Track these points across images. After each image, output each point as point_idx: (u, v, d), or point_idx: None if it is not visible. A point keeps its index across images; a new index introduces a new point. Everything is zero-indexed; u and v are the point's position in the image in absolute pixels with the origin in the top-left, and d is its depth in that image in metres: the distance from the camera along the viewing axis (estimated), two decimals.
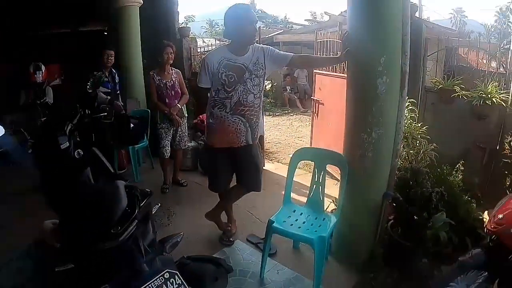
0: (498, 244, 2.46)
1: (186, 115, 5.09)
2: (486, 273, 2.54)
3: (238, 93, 3.12)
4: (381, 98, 2.79)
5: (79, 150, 3.62)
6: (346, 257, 3.31)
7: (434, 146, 3.94)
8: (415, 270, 3.01)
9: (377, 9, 2.76)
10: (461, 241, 3.10)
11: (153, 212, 2.97)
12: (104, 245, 1.58)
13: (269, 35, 14.81)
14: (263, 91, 3.31)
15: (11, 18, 7.51)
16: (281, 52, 3.32)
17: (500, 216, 2.42)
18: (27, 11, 7.52)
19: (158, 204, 3.51)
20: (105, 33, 8.45)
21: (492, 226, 2.45)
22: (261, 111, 3.37)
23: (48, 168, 3.60)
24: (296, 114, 11.82)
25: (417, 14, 7.75)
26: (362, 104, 2.94)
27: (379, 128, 2.85)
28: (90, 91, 5.83)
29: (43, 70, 5.62)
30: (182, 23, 11.61)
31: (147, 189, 2.46)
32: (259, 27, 11.46)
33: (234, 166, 3.43)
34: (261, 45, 3.30)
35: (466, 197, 3.51)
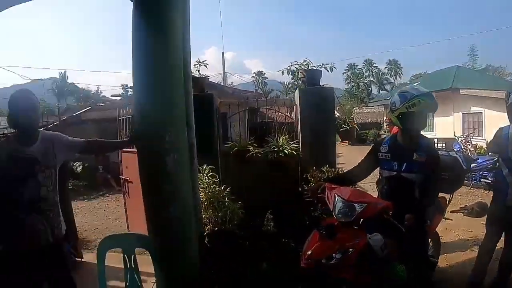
0: (313, 276, 2.78)
1: None
2: None
3: (30, 188, 2.83)
4: (173, 175, 2.88)
5: None
6: None
7: (241, 204, 4.16)
8: None
9: (157, 88, 2.89)
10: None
11: None
12: None
13: (77, 113, 14.27)
14: (57, 183, 3.07)
15: None
16: (71, 139, 3.16)
17: (309, 252, 2.72)
18: None
19: None
20: None
21: (305, 263, 2.72)
22: (58, 205, 3.08)
23: None
24: (112, 194, 11.42)
25: (221, 81, 8.41)
26: (154, 182, 2.98)
27: (176, 203, 2.92)
28: None
29: None
30: None
31: None
32: (67, 103, 10.98)
33: (39, 270, 2.98)
34: (51, 132, 3.13)
35: (284, 240, 3.83)
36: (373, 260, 2.75)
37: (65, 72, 57.94)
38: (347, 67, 66.75)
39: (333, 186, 3.08)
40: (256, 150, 4.81)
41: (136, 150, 5.22)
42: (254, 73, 41.52)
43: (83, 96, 48.64)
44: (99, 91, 52.37)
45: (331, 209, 2.93)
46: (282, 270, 3.50)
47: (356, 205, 2.79)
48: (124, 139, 4.27)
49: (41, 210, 2.91)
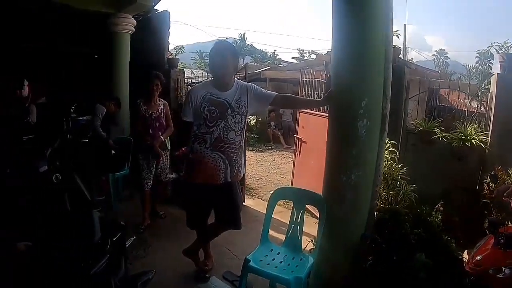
0: (476, 285, 2.51)
1: (169, 148, 5.03)
2: None
3: (219, 129, 3.09)
4: (361, 141, 2.82)
5: (57, 174, 3.56)
6: None
7: (414, 187, 3.96)
8: None
9: (360, 52, 2.82)
10: (440, 281, 3.09)
11: (127, 245, 2.93)
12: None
13: (257, 71, 15.02)
14: (245, 129, 3.30)
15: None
16: (265, 91, 3.32)
17: (479, 257, 2.52)
18: (17, 27, 7.33)
19: (133, 237, 3.47)
20: (95, 57, 8.33)
21: (470, 267, 2.53)
22: (242, 149, 3.34)
23: (25, 190, 3.54)
24: (279, 151, 11.87)
25: (401, 56, 7.92)
26: (342, 146, 2.96)
27: (358, 170, 2.87)
28: (73, 115, 5.75)
29: (26, 86, 5.12)
30: (172, 53, 11.73)
31: (122, 222, 2.42)
32: (246, 63, 11.68)
33: (213, 203, 3.37)
34: (246, 82, 3.32)
35: (446, 237, 3.53)
36: None
37: (244, 33, 61.23)
38: None
39: None
40: (443, 134, 4.47)
41: (315, 113, 5.40)
42: (436, 51, 38.09)
43: (260, 57, 51.06)
44: (275, 53, 54.05)
45: None
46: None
47: None
48: (317, 99, 4.32)
49: (225, 151, 3.15)
